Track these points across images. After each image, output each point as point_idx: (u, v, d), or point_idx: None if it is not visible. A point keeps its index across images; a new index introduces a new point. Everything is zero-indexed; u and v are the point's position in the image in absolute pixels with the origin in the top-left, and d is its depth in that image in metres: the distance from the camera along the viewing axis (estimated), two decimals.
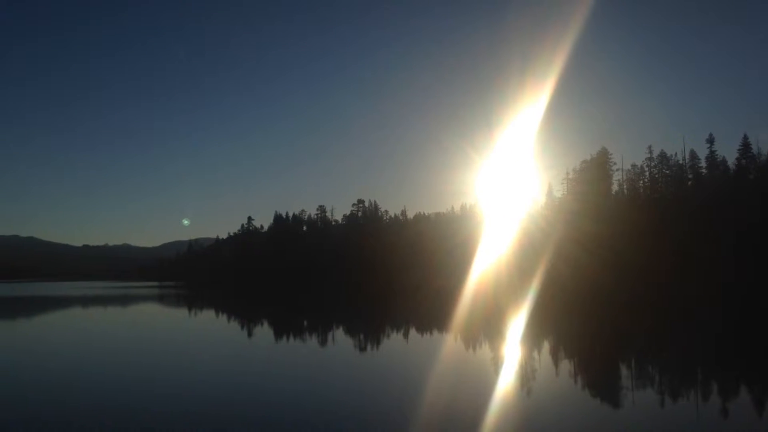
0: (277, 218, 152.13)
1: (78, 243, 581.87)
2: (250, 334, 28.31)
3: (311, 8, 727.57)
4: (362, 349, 22.17)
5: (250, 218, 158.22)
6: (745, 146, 74.71)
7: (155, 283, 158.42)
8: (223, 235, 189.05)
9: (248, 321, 37.50)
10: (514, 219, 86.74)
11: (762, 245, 56.72)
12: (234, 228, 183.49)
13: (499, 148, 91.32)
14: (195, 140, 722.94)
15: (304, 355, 20.40)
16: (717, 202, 65.87)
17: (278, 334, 28.12)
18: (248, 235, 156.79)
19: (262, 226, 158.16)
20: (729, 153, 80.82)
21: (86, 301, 64.43)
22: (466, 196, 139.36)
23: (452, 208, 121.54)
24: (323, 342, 24.53)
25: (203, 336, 27.94)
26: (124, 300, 66.30)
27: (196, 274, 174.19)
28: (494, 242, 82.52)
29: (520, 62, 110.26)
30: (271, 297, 71.14)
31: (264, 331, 31.10)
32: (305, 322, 37.17)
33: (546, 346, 22.05)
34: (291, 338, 26.36)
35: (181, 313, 46.28)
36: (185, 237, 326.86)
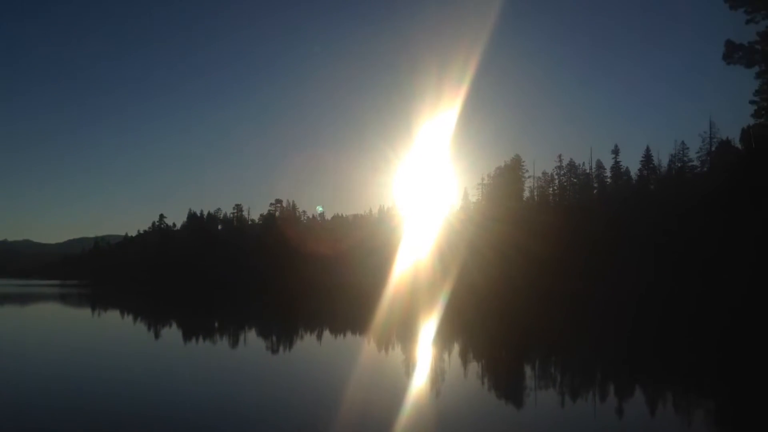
0: (191, 216, 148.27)
1: None
2: (157, 336, 27.25)
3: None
4: (274, 351, 21.84)
5: (162, 216, 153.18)
6: (647, 158, 79.62)
7: (57, 282, 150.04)
8: (132, 233, 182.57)
9: (158, 322, 36.12)
10: (431, 222, 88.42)
11: (662, 251, 60.46)
12: (144, 225, 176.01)
13: (417, 152, 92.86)
14: (102, 133, 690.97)
15: (215, 358, 19.85)
16: (619, 211, 69.77)
17: (187, 336, 27.23)
18: (160, 233, 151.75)
19: (174, 224, 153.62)
20: (633, 163, 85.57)
21: None
22: (385, 199, 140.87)
23: (370, 210, 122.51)
24: (234, 344, 23.99)
25: (109, 337, 26.65)
26: (22, 299, 62.24)
27: (104, 272, 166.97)
28: (412, 245, 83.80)
29: (437, 66, 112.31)
30: (184, 297, 68.88)
31: (173, 333, 30.05)
32: (217, 324, 36.25)
33: (456, 349, 22.53)
34: (201, 340, 25.61)
35: (83, 314, 43.98)
36: (91, 234, 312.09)
